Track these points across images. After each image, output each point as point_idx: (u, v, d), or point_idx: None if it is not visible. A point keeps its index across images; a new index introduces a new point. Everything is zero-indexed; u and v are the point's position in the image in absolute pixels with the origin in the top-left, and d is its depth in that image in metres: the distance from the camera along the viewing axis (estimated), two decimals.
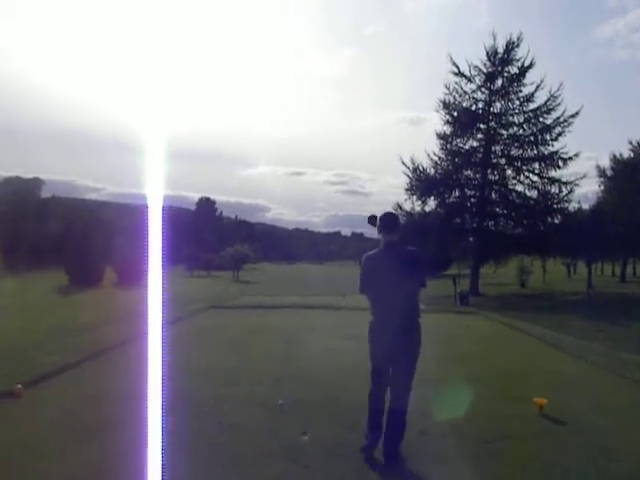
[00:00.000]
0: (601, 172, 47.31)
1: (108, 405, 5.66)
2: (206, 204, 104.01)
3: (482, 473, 4.44)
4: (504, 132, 32.27)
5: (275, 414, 5.90)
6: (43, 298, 23.25)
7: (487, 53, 31.43)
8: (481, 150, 32.12)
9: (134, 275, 27.47)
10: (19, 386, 6.44)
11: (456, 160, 32.52)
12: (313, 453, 4.79)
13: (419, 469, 4.51)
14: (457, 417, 5.82)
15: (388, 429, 4.75)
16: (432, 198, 32.45)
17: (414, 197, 32.30)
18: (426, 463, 4.63)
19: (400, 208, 32.73)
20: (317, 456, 4.73)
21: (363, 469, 4.48)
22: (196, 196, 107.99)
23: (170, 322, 12.44)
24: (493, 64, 31.38)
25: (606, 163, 48.20)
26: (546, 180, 31.57)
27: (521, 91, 31.44)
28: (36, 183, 77.20)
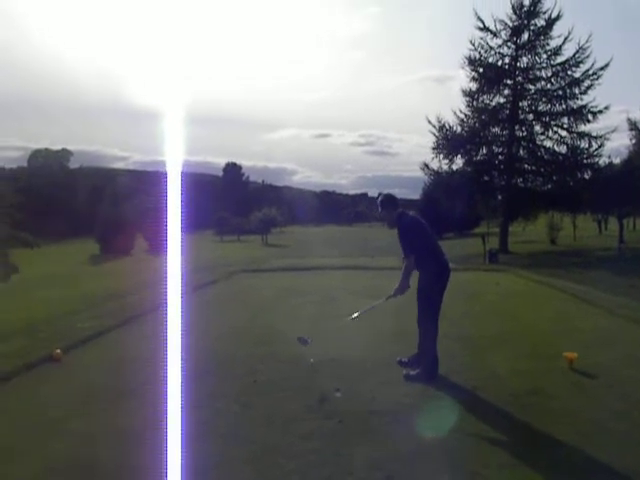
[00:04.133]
0: (632, 125, 46.23)
1: (144, 367, 5.79)
2: (233, 169, 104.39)
3: (512, 427, 4.50)
4: (531, 87, 31.68)
5: (308, 371, 6.00)
6: (76, 267, 23.70)
7: (513, 6, 30.65)
8: (508, 106, 31.59)
9: (165, 242, 27.77)
10: (58, 351, 6.65)
11: (483, 117, 32.09)
12: (347, 409, 4.89)
13: (447, 420, 4.59)
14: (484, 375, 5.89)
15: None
16: (459, 156, 32.14)
17: (441, 156, 32.03)
18: (454, 415, 4.71)
19: (427, 167, 32.55)
20: (351, 411, 4.82)
21: (397, 423, 4.57)
22: (222, 161, 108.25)
23: (203, 286, 12.63)
24: (519, 17, 30.62)
25: (638, 116, 47.05)
26: (575, 135, 31.01)
27: (548, 44, 30.72)
28: (64, 154, 78.10)
